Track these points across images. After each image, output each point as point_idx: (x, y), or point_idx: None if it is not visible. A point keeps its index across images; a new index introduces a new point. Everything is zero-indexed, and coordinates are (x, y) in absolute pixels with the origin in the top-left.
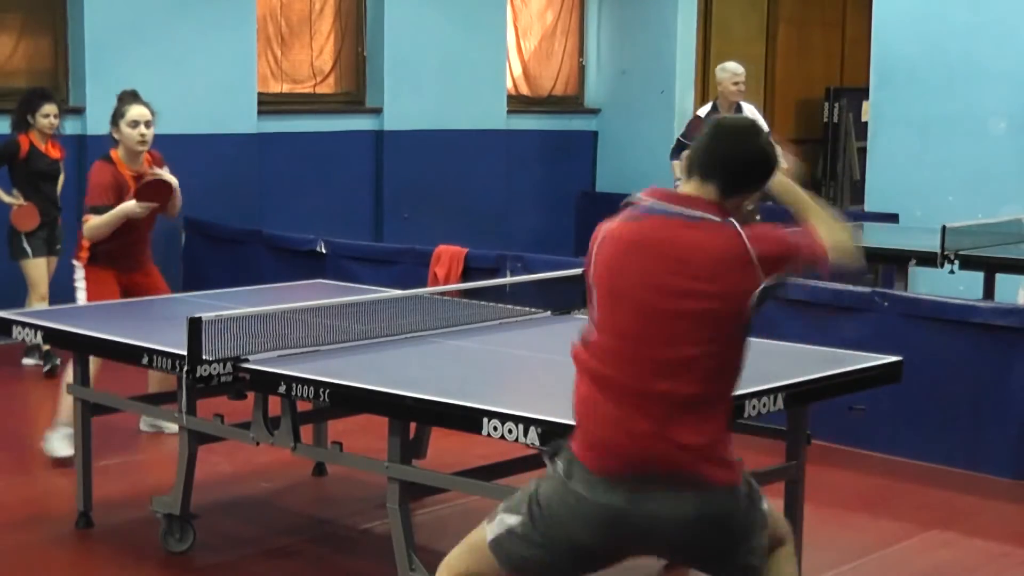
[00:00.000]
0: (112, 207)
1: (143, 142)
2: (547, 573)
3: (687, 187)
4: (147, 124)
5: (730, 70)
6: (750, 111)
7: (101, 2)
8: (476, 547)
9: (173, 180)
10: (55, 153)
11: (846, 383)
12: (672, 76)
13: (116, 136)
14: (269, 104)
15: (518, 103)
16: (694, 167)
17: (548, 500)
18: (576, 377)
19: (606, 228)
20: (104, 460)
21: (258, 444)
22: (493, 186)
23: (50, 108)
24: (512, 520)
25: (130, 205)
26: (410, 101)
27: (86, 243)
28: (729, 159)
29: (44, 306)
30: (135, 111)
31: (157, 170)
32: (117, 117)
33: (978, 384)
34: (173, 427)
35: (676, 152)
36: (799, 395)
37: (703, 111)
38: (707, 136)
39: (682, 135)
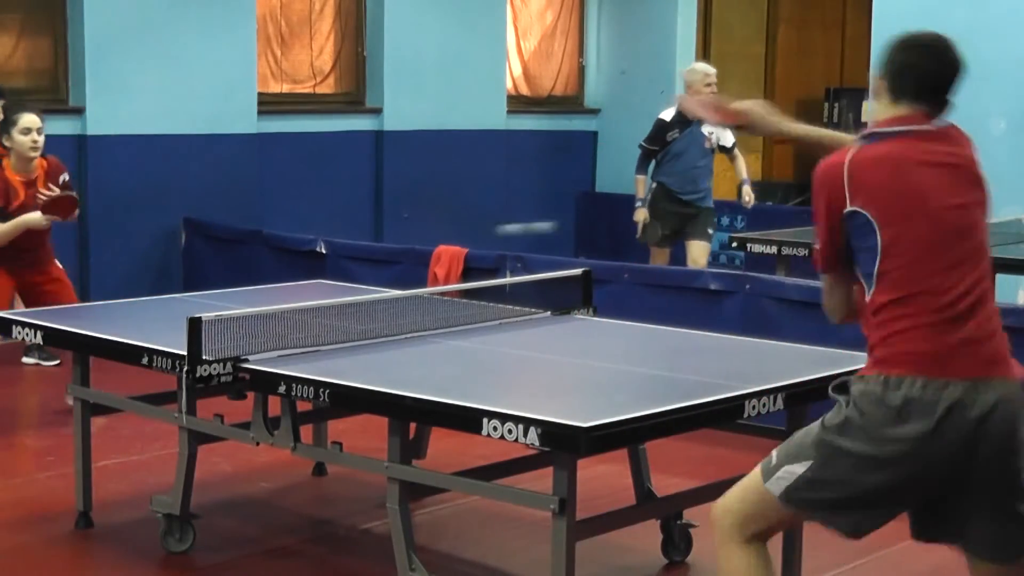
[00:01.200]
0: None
1: (35, 148)
2: (849, 508)
3: (901, 110)
4: (38, 131)
5: (701, 71)
6: None
7: (101, 2)
8: (759, 496)
9: (73, 195)
10: None
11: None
12: (672, 76)
13: (7, 144)
14: (269, 104)
15: (518, 103)
16: (911, 90)
17: (858, 425)
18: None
19: (857, 157)
20: (104, 460)
21: (258, 444)
22: (493, 186)
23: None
24: (800, 468)
25: (34, 217)
26: (410, 101)
27: None
28: (942, 77)
29: None
30: (27, 119)
31: (52, 188)
32: (8, 126)
33: None
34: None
35: (643, 163)
36: (799, 395)
37: (668, 115)
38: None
39: (647, 141)
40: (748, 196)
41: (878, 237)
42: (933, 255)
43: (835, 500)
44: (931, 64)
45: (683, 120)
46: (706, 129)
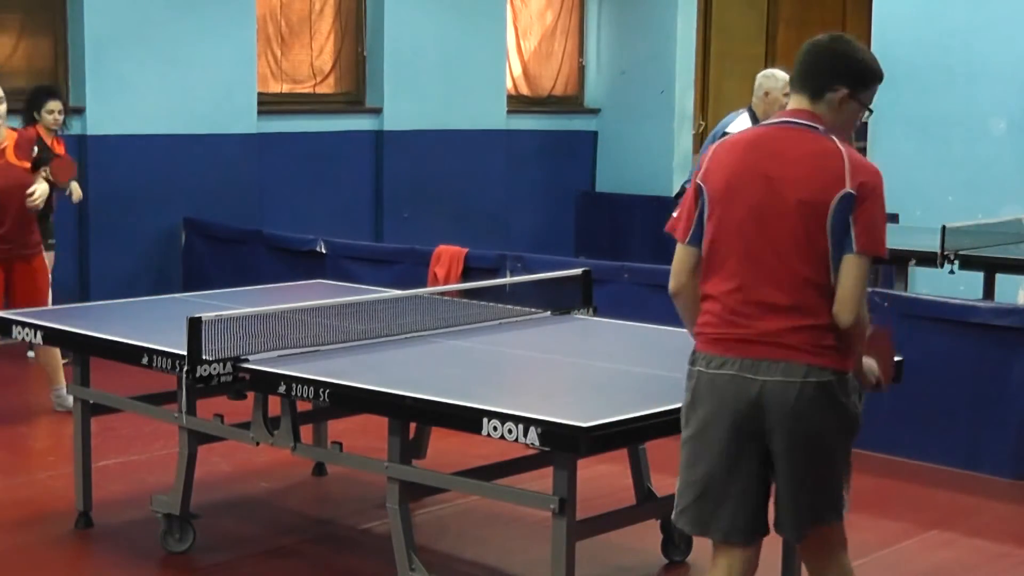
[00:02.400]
0: None
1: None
2: (720, 490)
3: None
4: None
5: (782, 79)
6: None
7: (101, 2)
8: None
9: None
10: (58, 150)
11: None
12: (672, 76)
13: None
14: (269, 104)
15: (518, 103)
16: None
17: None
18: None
19: (725, 140)
20: (104, 460)
21: (258, 444)
22: (493, 186)
23: (54, 104)
24: (677, 484)
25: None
26: (410, 101)
27: None
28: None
29: None
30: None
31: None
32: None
33: (978, 384)
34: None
35: None
36: None
37: (741, 124)
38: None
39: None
40: None
41: (706, 213)
42: (732, 239)
43: (698, 494)
44: (807, 59)
45: (756, 126)
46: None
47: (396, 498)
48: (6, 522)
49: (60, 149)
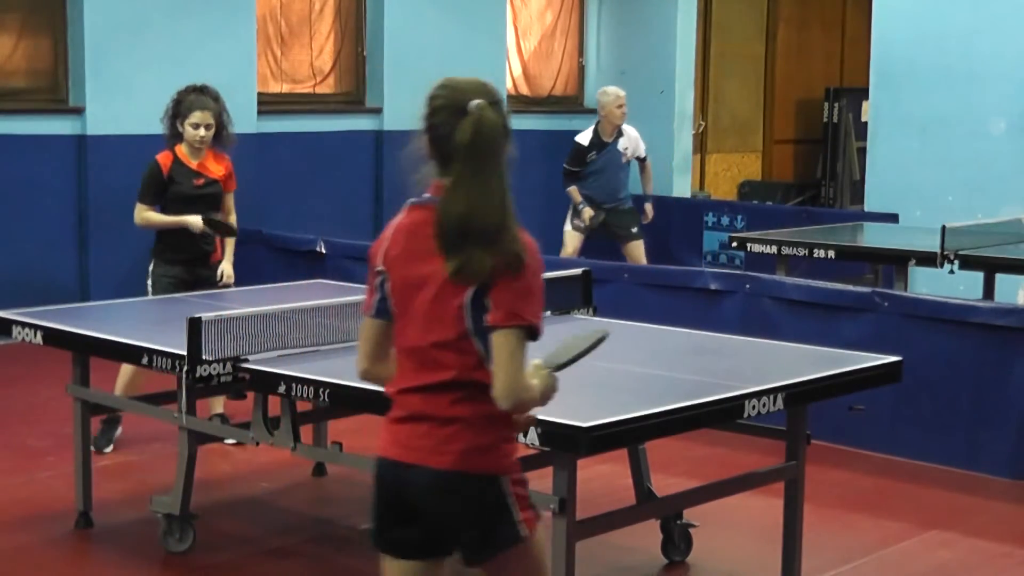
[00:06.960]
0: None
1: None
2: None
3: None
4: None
5: (612, 93)
6: (632, 133)
7: (101, 2)
8: None
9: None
10: (215, 171)
11: (846, 383)
12: (672, 76)
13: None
14: (269, 104)
15: (518, 103)
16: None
17: None
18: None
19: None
20: (104, 460)
21: (258, 444)
22: None
23: (200, 116)
24: None
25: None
26: (410, 101)
27: None
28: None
29: None
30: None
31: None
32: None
33: (978, 384)
34: None
35: (569, 181)
36: (799, 395)
37: (585, 138)
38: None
39: (569, 163)
40: (650, 212)
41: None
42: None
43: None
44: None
45: (599, 143)
46: (621, 146)
47: None
48: (6, 522)
49: (215, 171)
